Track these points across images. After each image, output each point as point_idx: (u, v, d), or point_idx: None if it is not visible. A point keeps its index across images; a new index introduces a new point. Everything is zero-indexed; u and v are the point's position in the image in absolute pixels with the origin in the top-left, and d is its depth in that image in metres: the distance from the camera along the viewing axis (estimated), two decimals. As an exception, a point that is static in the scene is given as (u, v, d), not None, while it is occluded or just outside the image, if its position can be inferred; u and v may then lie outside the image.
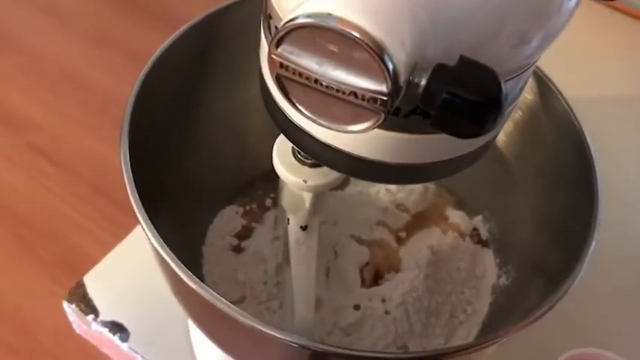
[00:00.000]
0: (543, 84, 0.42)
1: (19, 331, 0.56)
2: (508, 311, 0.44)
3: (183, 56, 0.42)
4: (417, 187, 0.50)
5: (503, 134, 0.45)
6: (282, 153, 0.34)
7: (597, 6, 0.73)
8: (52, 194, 0.65)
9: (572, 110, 0.41)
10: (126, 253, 0.54)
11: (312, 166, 0.34)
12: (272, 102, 0.30)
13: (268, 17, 0.28)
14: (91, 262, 0.53)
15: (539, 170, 0.44)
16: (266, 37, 0.29)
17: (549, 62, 0.42)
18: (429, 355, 0.31)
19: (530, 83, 0.43)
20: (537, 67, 0.42)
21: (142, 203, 0.34)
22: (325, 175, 0.34)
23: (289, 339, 0.30)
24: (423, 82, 0.22)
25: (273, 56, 0.23)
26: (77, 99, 0.74)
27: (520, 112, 0.44)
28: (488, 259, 0.49)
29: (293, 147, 0.34)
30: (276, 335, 0.30)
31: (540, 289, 0.38)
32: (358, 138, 0.28)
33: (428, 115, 0.24)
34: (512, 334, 0.33)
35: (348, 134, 0.27)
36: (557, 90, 0.42)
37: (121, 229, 0.55)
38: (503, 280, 0.46)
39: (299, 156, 0.34)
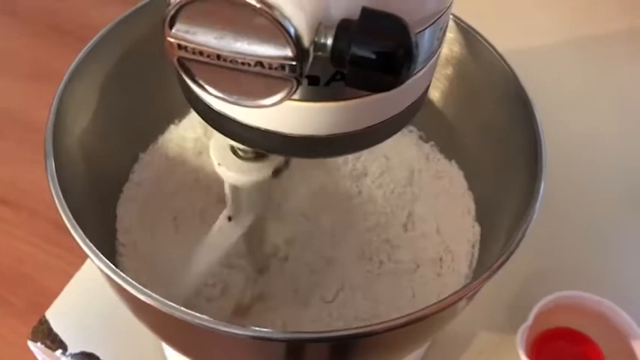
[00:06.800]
0: (471, 37, 0.42)
1: (-2, 381, 0.54)
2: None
3: (102, 65, 0.41)
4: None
5: (438, 93, 0.45)
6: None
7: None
8: (15, 238, 0.63)
9: (503, 59, 0.40)
10: (84, 281, 0.52)
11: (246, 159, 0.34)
12: (192, 93, 0.29)
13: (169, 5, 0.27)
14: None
15: (482, 124, 0.43)
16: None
17: (474, 16, 0.42)
18: (383, 327, 0.30)
19: (458, 38, 0.42)
20: (462, 20, 0.42)
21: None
22: (243, 171, 0.34)
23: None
24: (330, 42, 0.21)
25: (169, 38, 0.22)
26: (26, 139, 0.72)
27: (451, 69, 0.43)
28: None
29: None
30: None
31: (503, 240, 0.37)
32: (285, 115, 0.27)
33: (346, 78, 0.23)
34: (471, 291, 0.32)
35: (277, 113, 0.26)
36: (486, 41, 0.41)
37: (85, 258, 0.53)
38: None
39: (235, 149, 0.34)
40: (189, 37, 0.21)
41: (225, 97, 0.23)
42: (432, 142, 0.50)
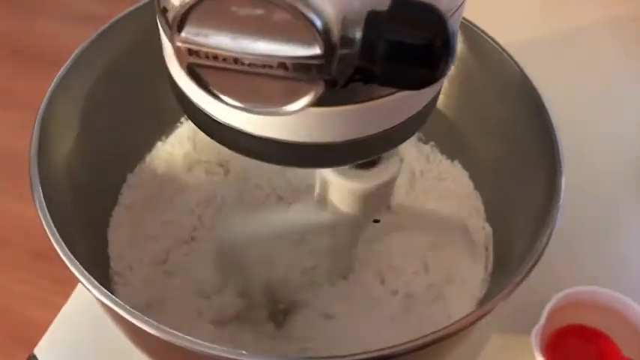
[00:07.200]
0: (471, 33, 0.40)
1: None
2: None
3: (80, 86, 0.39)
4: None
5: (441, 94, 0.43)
6: None
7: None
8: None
9: (508, 54, 0.39)
10: (73, 313, 0.49)
11: None
12: (190, 105, 0.26)
13: (164, 11, 0.25)
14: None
15: (486, 121, 0.42)
16: (165, 33, 0.25)
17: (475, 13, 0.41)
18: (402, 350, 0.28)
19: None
20: (463, 17, 0.40)
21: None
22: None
23: None
24: (359, 36, 0.19)
25: (178, 44, 0.19)
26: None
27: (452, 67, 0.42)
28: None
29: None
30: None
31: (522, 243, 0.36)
32: (297, 123, 0.25)
33: (369, 78, 0.21)
34: (493, 306, 0.31)
35: (286, 121, 0.24)
36: (489, 37, 0.40)
37: (70, 287, 0.51)
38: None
39: None
40: (201, 40, 0.19)
41: (243, 105, 0.21)
42: (432, 143, 0.48)
